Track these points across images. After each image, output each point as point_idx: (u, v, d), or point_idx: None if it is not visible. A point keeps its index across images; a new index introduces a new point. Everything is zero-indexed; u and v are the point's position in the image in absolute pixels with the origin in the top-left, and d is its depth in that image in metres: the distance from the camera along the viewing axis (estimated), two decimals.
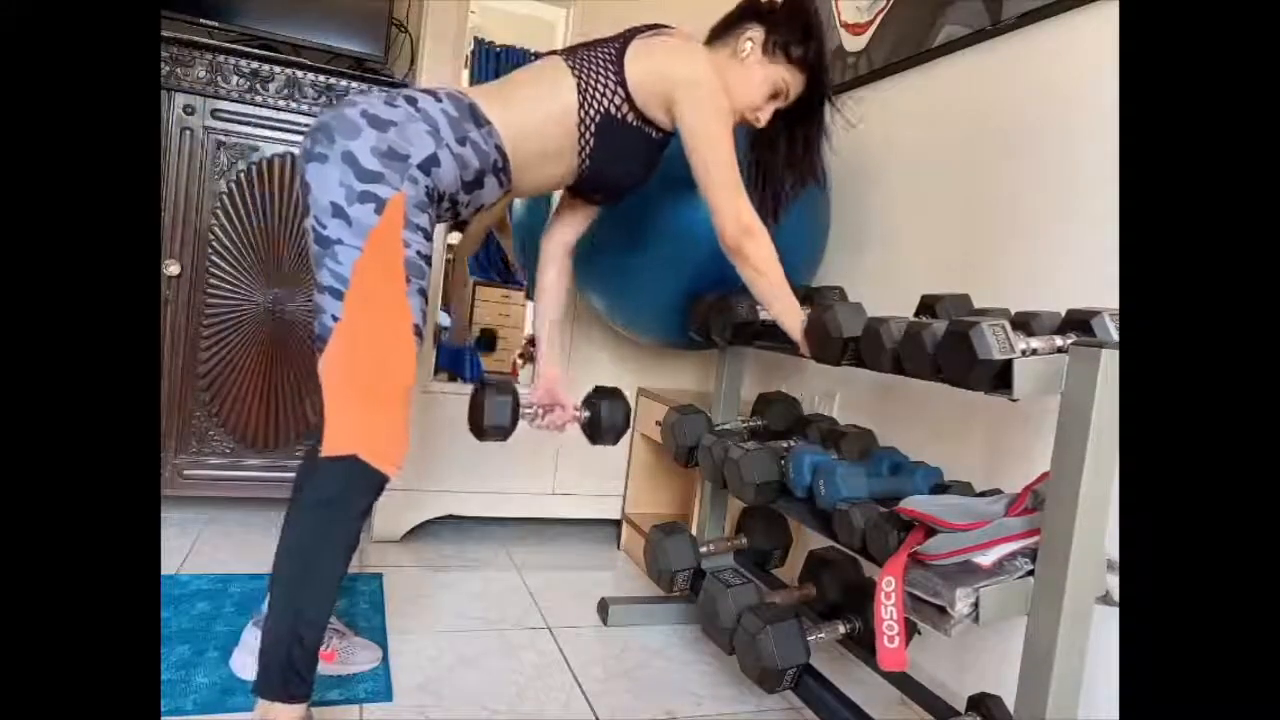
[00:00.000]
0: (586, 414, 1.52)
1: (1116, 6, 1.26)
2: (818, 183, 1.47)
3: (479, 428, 1.42)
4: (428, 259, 1.13)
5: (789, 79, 1.30)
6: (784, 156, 1.40)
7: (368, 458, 1.07)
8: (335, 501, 1.07)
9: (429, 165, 1.11)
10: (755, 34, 1.29)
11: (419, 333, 1.11)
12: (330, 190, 1.06)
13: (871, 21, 1.86)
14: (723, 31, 1.33)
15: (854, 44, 1.92)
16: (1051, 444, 0.93)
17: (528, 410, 1.48)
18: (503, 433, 1.42)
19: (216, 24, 2.01)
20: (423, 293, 1.12)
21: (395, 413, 1.10)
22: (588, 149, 1.24)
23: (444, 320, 2.44)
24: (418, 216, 1.10)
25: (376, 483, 1.09)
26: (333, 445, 1.08)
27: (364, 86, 2.05)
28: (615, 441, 1.55)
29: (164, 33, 1.87)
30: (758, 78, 1.29)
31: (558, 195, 1.49)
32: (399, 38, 2.33)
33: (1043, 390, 0.93)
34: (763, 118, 1.31)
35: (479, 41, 3.51)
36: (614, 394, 1.53)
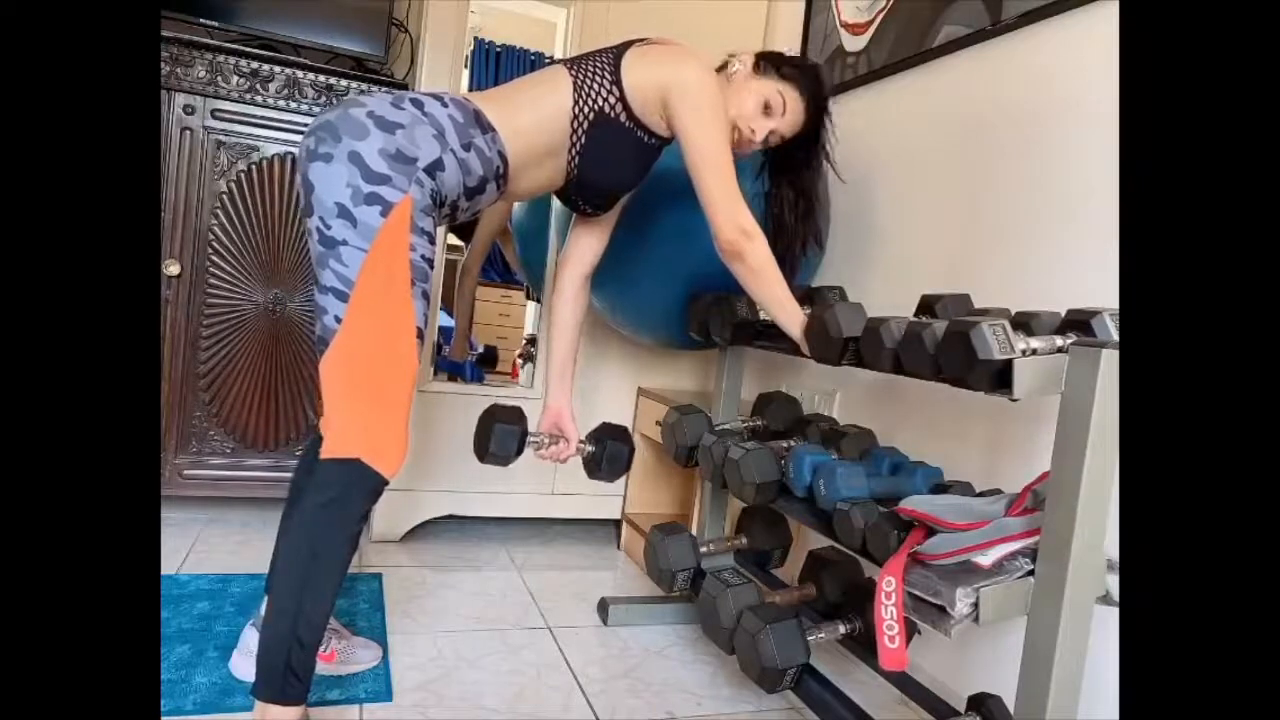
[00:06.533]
0: (590, 449, 1.53)
1: (1116, 6, 1.26)
2: (819, 245, 1.50)
3: (482, 452, 1.43)
4: (431, 262, 1.13)
5: (785, 95, 1.31)
6: (791, 213, 1.45)
7: (369, 460, 1.08)
8: (336, 503, 1.07)
9: (434, 169, 1.11)
10: (745, 57, 1.35)
11: (421, 335, 1.12)
12: (336, 191, 1.05)
13: (871, 21, 1.86)
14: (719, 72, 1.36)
15: (854, 44, 1.92)
16: (1051, 444, 0.93)
17: (533, 439, 1.48)
18: (504, 460, 1.44)
19: (216, 24, 2.01)
20: (425, 295, 1.12)
21: (397, 415, 1.10)
22: (578, 147, 1.24)
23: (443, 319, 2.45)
24: (422, 220, 1.10)
25: (377, 485, 1.10)
26: (334, 447, 1.08)
27: (364, 86, 2.05)
28: (613, 480, 1.57)
29: (164, 33, 1.87)
30: (746, 90, 1.31)
31: (556, 205, 1.50)
32: (399, 38, 2.33)
33: (1043, 390, 0.93)
34: (757, 130, 1.31)
35: (479, 41, 3.51)
36: (621, 434, 1.54)
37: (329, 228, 1.06)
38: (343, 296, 1.06)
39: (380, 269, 1.06)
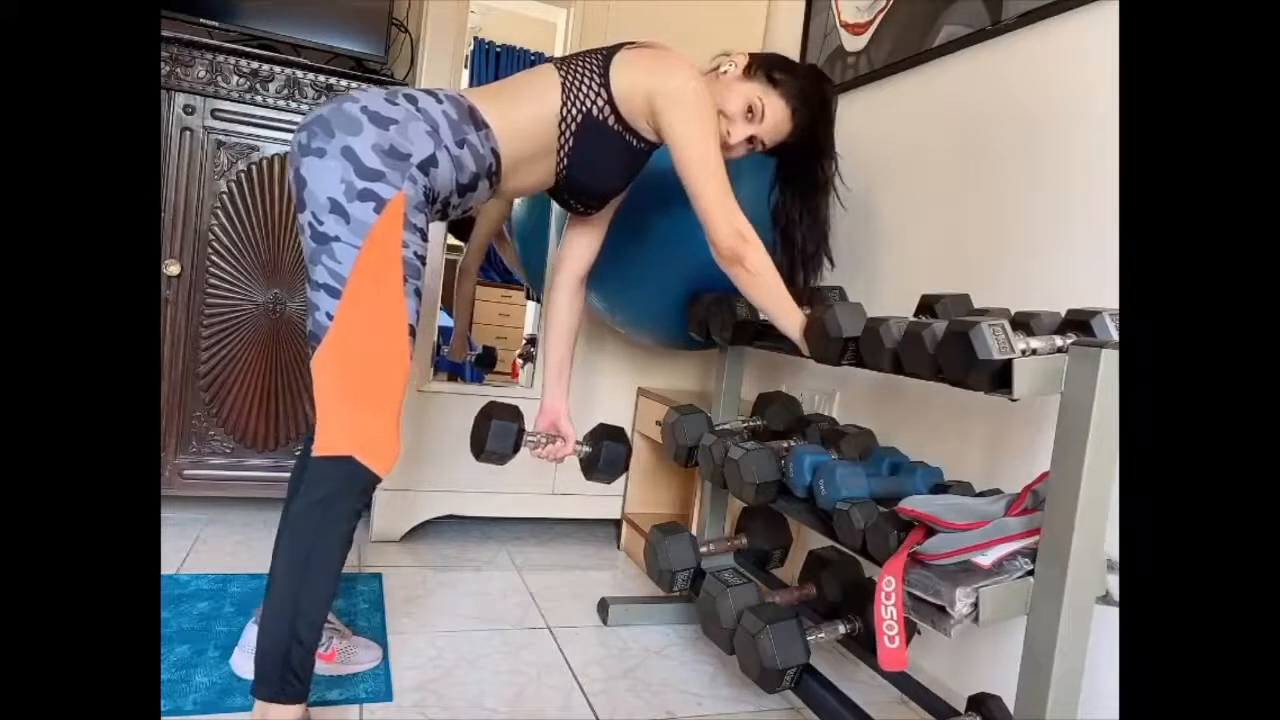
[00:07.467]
0: (586, 450, 1.53)
1: (1116, 6, 1.26)
2: (829, 262, 1.48)
3: (479, 450, 1.43)
4: (423, 259, 1.13)
5: (766, 101, 1.28)
6: (799, 232, 1.42)
7: (362, 458, 1.07)
8: (328, 501, 1.08)
9: (428, 166, 1.10)
10: (739, 58, 1.31)
11: (413, 333, 1.12)
12: (329, 186, 1.05)
13: (871, 21, 1.86)
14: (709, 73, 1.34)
15: (854, 44, 1.92)
16: (1051, 444, 0.93)
17: (530, 439, 1.48)
18: (502, 458, 1.43)
19: (216, 24, 2.01)
20: (418, 293, 1.12)
21: (389, 413, 1.10)
22: (566, 149, 1.24)
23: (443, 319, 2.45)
24: (415, 217, 1.10)
25: (369, 483, 1.10)
26: (327, 445, 1.08)
27: (364, 86, 2.05)
28: (609, 481, 1.56)
29: (164, 33, 1.87)
30: (732, 92, 1.29)
31: (557, 207, 1.49)
32: (399, 38, 2.33)
33: (1043, 390, 0.93)
34: (733, 134, 1.29)
35: (479, 41, 3.51)
36: (618, 436, 1.53)
37: (321, 223, 1.06)
38: (335, 293, 1.06)
39: (373, 266, 1.06)
